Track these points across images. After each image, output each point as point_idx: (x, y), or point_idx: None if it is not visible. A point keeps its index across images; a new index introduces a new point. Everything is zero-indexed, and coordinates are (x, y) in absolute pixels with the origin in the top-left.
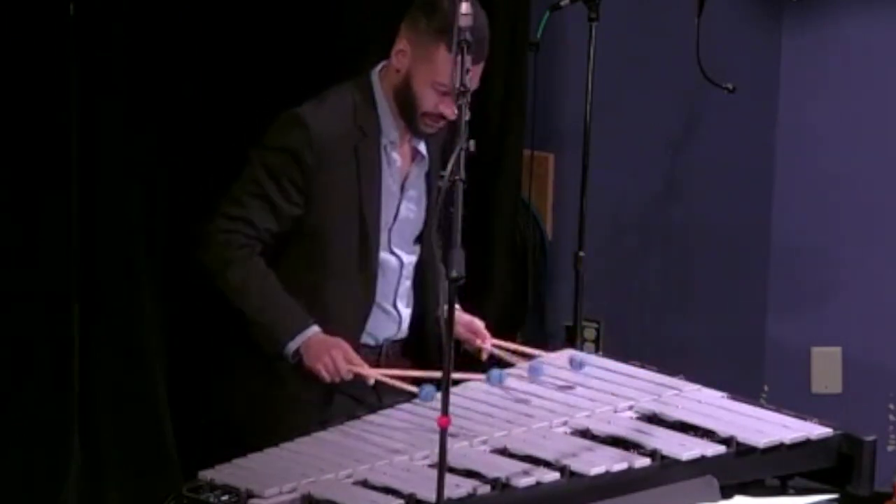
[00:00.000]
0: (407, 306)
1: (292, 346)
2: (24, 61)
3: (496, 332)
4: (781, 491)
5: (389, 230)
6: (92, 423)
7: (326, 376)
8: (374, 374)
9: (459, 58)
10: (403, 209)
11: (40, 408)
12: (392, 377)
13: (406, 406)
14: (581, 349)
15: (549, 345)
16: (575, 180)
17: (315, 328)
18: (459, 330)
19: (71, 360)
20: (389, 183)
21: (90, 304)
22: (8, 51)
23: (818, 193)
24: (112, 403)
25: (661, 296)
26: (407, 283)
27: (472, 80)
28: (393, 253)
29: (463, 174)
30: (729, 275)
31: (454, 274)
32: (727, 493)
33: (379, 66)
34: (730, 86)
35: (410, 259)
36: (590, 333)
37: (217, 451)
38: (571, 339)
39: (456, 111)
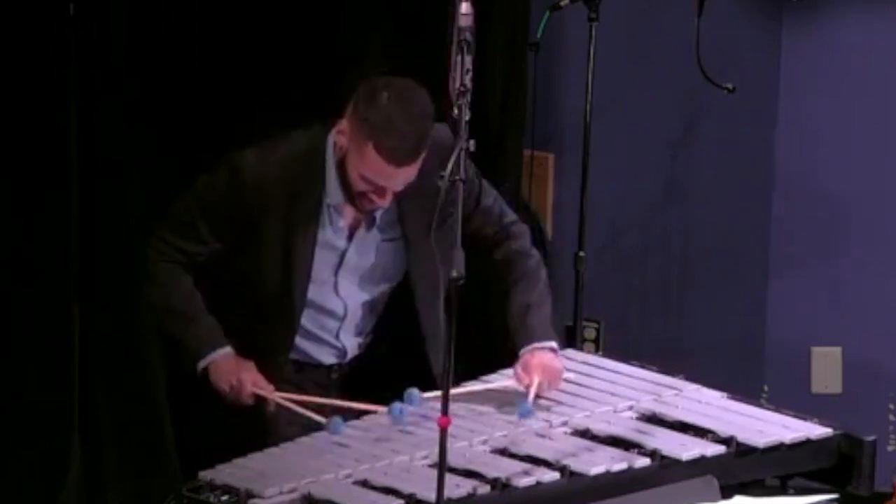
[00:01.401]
0: (355, 336)
1: (202, 364)
2: (24, 61)
3: (496, 333)
4: (781, 491)
5: (336, 274)
6: (92, 423)
7: (229, 396)
8: (274, 396)
9: (460, 57)
10: (351, 257)
11: (40, 408)
12: (294, 402)
13: (406, 407)
14: (581, 349)
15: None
16: (575, 180)
17: (227, 349)
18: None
19: (71, 360)
20: (331, 239)
21: (90, 304)
22: (8, 51)
23: (818, 193)
24: (112, 403)
25: (661, 296)
26: (354, 320)
27: (395, 182)
28: (339, 296)
29: (463, 174)
30: (729, 275)
31: (454, 274)
32: (727, 493)
33: (336, 128)
34: (730, 86)
35: (359, 301)
36: (590, 333)
37: (217, 451)
38: (571, 339)
39: (389, 201)
